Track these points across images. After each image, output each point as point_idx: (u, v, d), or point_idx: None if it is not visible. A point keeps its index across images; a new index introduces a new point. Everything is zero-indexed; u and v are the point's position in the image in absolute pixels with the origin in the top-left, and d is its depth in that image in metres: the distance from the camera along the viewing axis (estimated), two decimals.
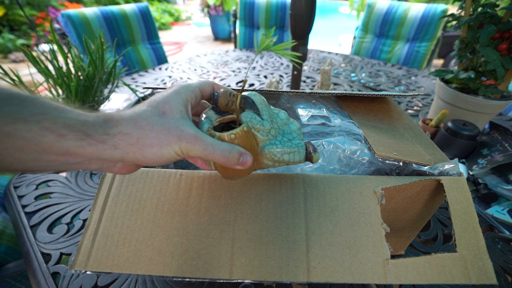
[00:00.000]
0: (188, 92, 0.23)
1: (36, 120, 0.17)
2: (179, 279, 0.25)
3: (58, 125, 0.17)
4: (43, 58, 0.54)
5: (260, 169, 0.27)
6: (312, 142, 0.28)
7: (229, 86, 0.92)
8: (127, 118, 0.20)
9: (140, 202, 0.28)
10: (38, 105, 0.17)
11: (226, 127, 0.27)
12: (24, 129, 0.16)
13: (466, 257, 0.24)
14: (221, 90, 0.25)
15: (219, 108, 0.25)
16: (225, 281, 0.24)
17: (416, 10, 1.39)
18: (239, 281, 0.24)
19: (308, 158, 0.26)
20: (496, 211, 0.48)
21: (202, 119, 0.25)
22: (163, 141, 0.20)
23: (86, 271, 0.25)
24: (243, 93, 0.25)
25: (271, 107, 0.27)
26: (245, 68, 1.20)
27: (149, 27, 1.39)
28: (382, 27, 1.50)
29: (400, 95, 0.39)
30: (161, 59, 1.45)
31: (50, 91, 0.56)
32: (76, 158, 0.19)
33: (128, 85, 0.64)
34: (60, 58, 0.55)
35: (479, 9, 0.58)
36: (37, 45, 3.03)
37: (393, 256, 0.24)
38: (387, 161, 0.31)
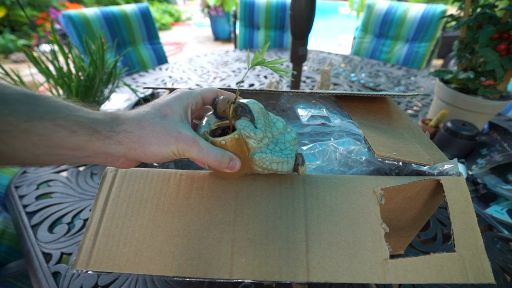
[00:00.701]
0: (190, 98, 0.25)
1: (51, 117, 0.19)
2: (180, 279, 0.25)
3: (70, 122, 0.19)
4: (44, 58, 0.54)
5: (251, 173, 0.28)
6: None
7: (229, 86, 0.92)
8: (132, 118, 0.22)
9: (140, 202, 0.28)
10: (51, 104, 0.19)
11: (225, 131, 0.28)
12: (40, 126, 0.18)
13: (464, 256, 0.24)
14: (221, 97, 0.26)
15: (218, 114, 0.27)
16: (225, 280, 0.25)
17: (415, 10, 1.39)
18: (239, 280, 0.25)
19: (295, 169, 0.27)
20: (495, 211, 0.48)
21: (203, 122, 0.27)
22: (162, 140, 0.22)
23: (87, 271, 0.25)
24: (243, 101, 0.27)
25: (271, 115, 0.28)
26: (245, 68, 1.20)
27: (149, 28, 1.39)
28: (382, 28, 1.50)
29: (400, 95, 0.39)
30: (161, 59, 1.45)
31: (51, 91, 0.57)
32: (85, 152, 0.21)
33: (128, 85, 0.64)
34: (61, 58, 0.55)
35: (478, 9, 0.58)
36: (38, 45, 3.03)
37: (392, 256, 0.25)
38: (386, 161, 0.31)
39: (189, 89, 0.27)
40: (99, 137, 0.20)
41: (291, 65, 0.75)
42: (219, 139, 0.25)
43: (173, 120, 0.23)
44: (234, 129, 0.26)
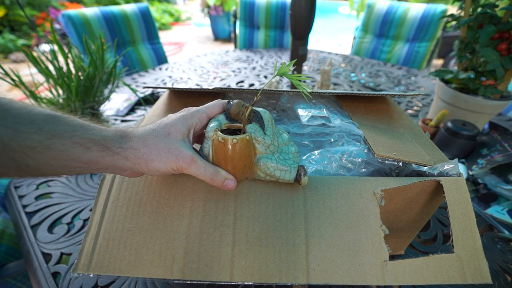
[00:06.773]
0: (194, 118, 0.27)
1: (69, 136, 0.21)
2: (180, 281, 0.25)
3: (85, 140, 0.22)
4: (43, 58, 0.54)
5: (252, 178, 0.29)
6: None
7: (229, 86, 0.92)
8: (138, 135, 0.24)
9: (140, 205, 0.28)
10: (69, 123, 0.22)
11: (231, 134, 0.29)
12: (60, 143, 0.21)
13: (462, 257, 0.24)
14: (236, 100, 0.28)
15: (230, 115, 0.28)
16: (225, 283, 0.25)
17: (415, 10, 1.39)
18: (239, 282, 0.25)
19: (297, 179, 0.27)
20: (495, 211, 0.48)
21: (213, 121, 0.28)
22: (163, 158, 0.24)
23: (88, 274, 0.25)
24: (255, 108, 0.28)
25: (278, 126, 0.30)
26: (245, 68, 1.20)
27: (149, 27, 1.39)
28: (382, 27, 1.50)
29: (400, 95, 0.39)
30: (161, 59, 1.45)
31: (51, 91, 0.56)
32: (97, 166, 0.23)
33: (128, 85, 0.64)
34: (61, 58, 0.55)
35: (479, 9, 0.58)
36: (37, 45, 3.03)
37: (393, 256, 0.25)
38: (386, 161, 0.31)
39: (195, 108, 0.28)
40: (109, 152, 0.23)
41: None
42: (230, 137, 0.25)
43: (175, 139, 0.25)
44: (244, 133, 0.27)
